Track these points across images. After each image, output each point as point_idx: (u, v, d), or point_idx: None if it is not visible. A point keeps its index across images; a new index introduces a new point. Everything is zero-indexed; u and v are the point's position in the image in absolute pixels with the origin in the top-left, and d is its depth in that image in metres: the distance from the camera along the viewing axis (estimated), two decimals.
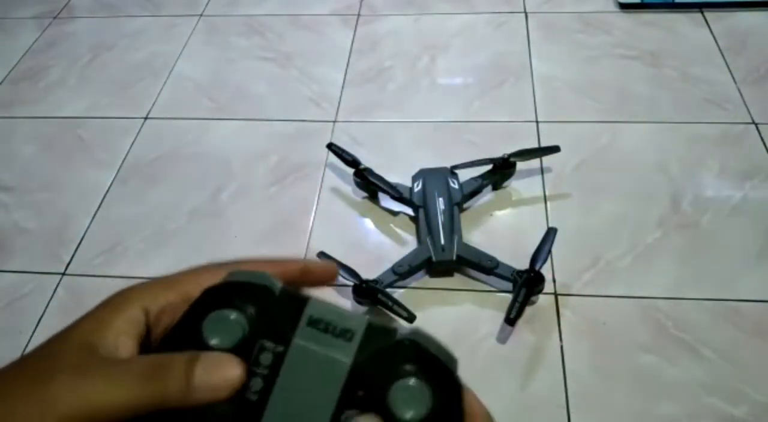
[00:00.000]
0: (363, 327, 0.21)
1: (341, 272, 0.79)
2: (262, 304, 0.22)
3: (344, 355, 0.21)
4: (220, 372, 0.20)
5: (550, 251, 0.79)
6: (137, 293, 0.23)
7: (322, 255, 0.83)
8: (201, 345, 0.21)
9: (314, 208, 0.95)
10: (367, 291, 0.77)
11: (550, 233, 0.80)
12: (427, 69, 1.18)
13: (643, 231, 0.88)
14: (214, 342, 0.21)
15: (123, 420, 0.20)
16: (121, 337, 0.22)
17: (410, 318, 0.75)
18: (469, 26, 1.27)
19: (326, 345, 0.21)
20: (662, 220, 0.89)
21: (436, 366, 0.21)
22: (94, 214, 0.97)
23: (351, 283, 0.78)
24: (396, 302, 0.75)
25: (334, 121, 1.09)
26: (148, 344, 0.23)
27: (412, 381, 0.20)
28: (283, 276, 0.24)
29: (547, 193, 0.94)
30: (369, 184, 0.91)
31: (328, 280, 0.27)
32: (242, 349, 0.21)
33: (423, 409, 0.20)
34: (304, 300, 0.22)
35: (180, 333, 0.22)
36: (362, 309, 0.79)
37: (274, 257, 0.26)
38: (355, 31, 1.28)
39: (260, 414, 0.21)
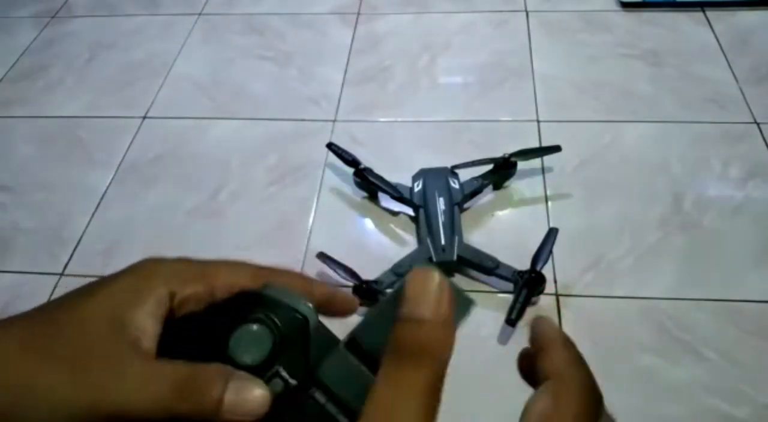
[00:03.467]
0: None
1: (340, 272, 0.78)
2: (293, 333, 0.22)
3: None
4: (250, 399, 0.21)
5: (551, 251, 0.79)
6: (167, 272, 0.24)
7: (321, 255, 0.82)
8: (226, 356, 0.21)
9: (314, 208, 0.95)
10: (366, 292, 0.76)
11: (552, 233, 0.80)
12: (428, 68, 1.17)
13: (645, 231, 0.87)
14: (240, 357, 0.21)
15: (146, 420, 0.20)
16: (149, 319, 0.22)
17: None
18: (469, 25, 1.26)
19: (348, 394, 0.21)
20: (664, 220, 0.89)
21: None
22: (93, 214, 0.97)
23: (351, 284, 0.78)
24: None
25: (334, 121, 1.09)
26: (169, 325, 0.23)
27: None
28: (309, 296, 0.24)
29: (548, 193, 0.93)
30: (369, 183, 0.90)
31: (346, 314, 0.27)
32: (261, 368, 0.21)
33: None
34: (334, 344, 0.22)
35: (207, 338, 0.22)
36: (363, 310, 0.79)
37: (307, 276, 0.26)
38: (354, 30, 1.27)
39: None
